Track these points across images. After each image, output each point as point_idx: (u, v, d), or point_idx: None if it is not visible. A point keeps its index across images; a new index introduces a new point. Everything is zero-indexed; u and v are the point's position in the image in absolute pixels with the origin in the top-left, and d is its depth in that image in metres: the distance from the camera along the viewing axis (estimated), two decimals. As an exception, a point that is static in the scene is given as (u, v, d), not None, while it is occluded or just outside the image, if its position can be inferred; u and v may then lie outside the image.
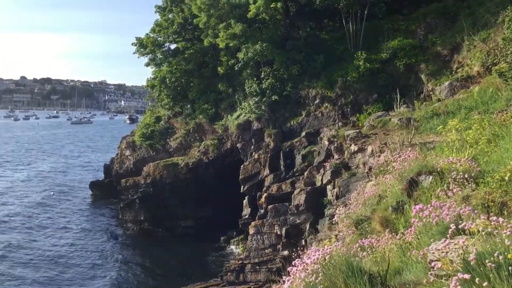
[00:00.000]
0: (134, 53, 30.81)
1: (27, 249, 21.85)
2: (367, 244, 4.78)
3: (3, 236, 23.45)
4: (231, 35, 22.68)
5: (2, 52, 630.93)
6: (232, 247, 22.02)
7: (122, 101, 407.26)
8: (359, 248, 4.60)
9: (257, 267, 17.18)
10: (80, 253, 21.38)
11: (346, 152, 15.79)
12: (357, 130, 16.44)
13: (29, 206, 30.09)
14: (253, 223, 18.52)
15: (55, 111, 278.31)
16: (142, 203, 25.33)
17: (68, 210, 29.60)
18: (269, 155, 21.72)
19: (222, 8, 23.69)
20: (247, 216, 21.48)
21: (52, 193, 34.19)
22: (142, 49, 30.21)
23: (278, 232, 17.02)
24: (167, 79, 28.98)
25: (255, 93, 22.62)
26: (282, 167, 21.01)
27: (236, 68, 24.27)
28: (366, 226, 6.47)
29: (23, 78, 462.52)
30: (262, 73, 22.65)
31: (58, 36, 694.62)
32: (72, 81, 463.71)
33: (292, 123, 21.99)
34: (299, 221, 16.39)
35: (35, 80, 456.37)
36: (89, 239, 23.64)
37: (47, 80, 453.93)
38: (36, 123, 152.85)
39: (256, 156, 22.51)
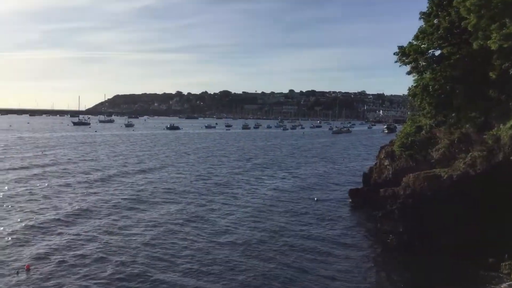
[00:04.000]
0: (396, 62, 30.60)
1: (273, 246, 23.68)
2: None
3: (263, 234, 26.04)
4: (506, 35, 20.35)
5: (275, 68, 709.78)
6: (504, 271, 19.54)
7: (381, 111, 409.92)
8: None
9: (537, 300, 14.85)
10: (328, 260, 21.98)
11: None
12: None
13: (289, 209, 32.77)
14: (531, 248, 16.09)
15: (318, 121, 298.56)
16: (401, 214, 24.74)
17: (327, 216, 30.97)
18: (553, 170, 18.61)
19: (495, 7, 21.46)
20: (523, 239, 18.80)
21: (315, 198, 36.53)
22: (404, 58, 29.79)
23: None
24: (430, 86, 27.78)
25: (535, 99, 19.78)
26: None
27: (511, 72, 21.68)
28: None
29: (291, 91, 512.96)
30: (546, 75, 19.66)
31: (322, 51, 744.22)
32: (333, 92, 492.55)
33: None
34: None
35: (301, 92, 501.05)
36: (344, 247, 24.17)
37: (312, 93, 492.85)
38: (302, 133, 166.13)
39: (536, 171, 19.58)
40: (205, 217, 29.25)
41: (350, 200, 35.35)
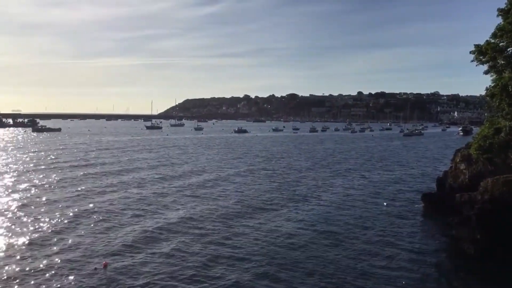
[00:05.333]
0: (472, 61, 29.39)
1: (340, 249, 23.35)
2: None
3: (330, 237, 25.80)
4: None
5: (342, 70, 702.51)
6: None
7: (455, 112, 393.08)
8: None
9: None
10: (398, 268, 21.29)
11: None
12: None
13: (359, 212, 32.23)
14: None
15: (388, 124, 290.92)
16: (479, 220, 23.63)
17: (397, 220, 30.15)
18: None
19: None
20: None
21: (385, 203, 35.70)
22: (481, 56, 28.52)
23: None
24: (510, 86, 26.40)
25: None
26: None
27: None
28: None
29: (359, 93, 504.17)
30: None
31: (391, 52, 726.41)
32: (404, 94, 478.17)
33: None
34: None
35: (370, 94, 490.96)
36: (416, 254, 23.34)
37: (381, 94, 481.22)
38: (371, 135, 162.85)
39: None
40: (284, 217, 29.56)
41: (423, 205, 34.21)
